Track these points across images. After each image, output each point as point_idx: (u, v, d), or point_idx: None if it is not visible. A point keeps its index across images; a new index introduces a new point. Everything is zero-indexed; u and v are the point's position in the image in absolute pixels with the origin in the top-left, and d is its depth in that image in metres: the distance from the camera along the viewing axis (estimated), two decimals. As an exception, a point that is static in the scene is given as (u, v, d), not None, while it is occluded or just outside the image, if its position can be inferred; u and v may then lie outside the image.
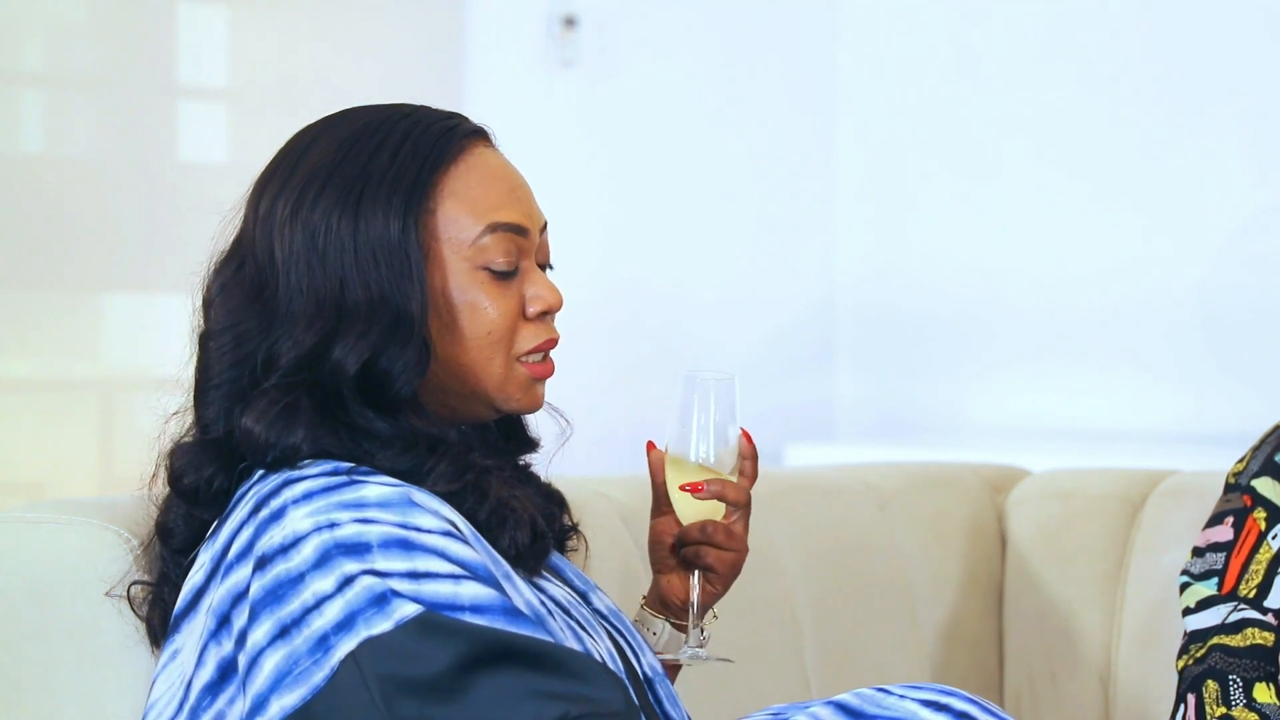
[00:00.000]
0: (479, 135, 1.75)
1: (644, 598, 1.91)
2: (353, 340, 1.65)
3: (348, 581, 1.55)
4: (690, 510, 1.83)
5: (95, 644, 1.73)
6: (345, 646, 1.53)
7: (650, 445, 1.86)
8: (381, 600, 1.54)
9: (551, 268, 1.78)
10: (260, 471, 1.65)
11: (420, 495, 1.61)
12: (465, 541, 1.60)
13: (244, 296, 1.68)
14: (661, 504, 1.87)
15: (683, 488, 1.82)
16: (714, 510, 1.83)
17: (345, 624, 1.54)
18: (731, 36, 4.14)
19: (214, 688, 1.60)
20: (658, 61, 4.03)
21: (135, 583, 1.73)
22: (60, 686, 1.74)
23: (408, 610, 1.53)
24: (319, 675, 1.54)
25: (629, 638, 1.80)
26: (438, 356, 1.69)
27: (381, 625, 1.53)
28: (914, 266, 4.23)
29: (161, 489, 1.73)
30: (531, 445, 1.85)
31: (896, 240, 4.25)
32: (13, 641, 1.75)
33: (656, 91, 4.03)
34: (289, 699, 1.54)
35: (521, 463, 1.85)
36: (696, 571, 1.85)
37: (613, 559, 2.25)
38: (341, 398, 1.65)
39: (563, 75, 3.87)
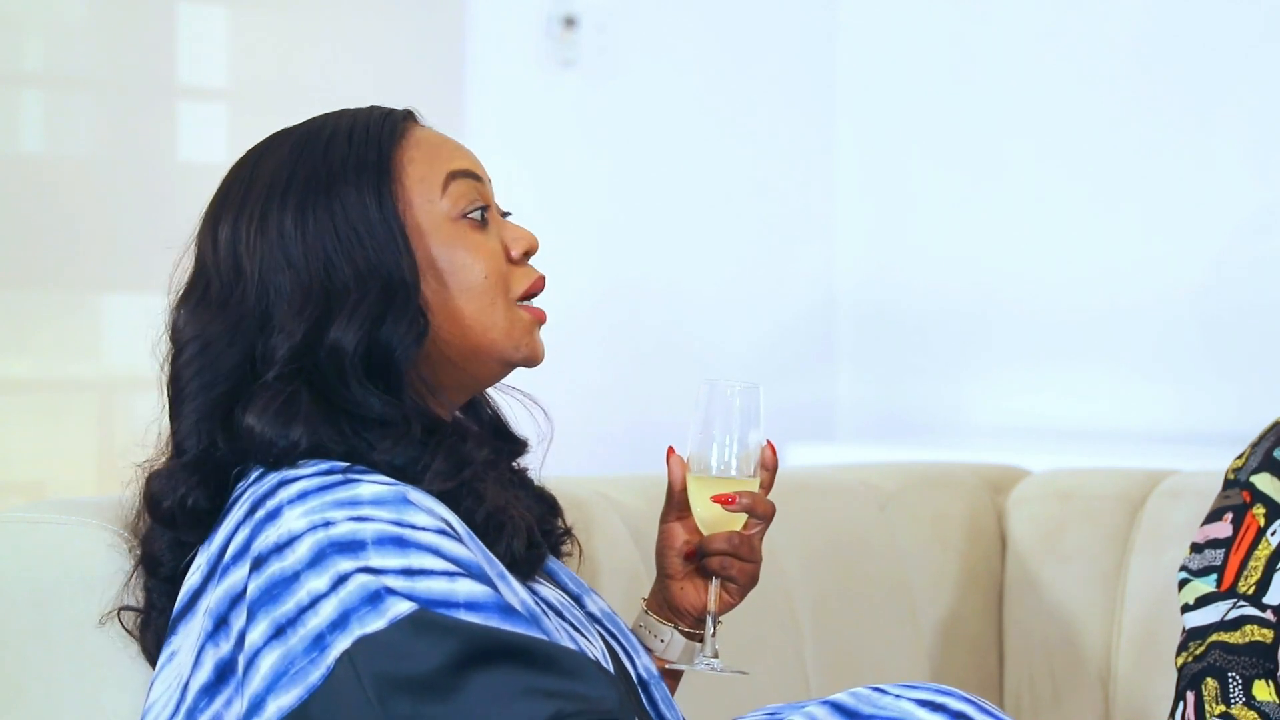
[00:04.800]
0: (411, 117, 1.79)
1: (645, 600, 1.90)
2: (347, 317, 1.66)
3: (342, 580, 1.55)
4: (713, 518, 1.82)
5: (95, 644, 1.73)
6: (340, 645, 1.53)
7: (670, 450, 1.85)
8: (375, 598, 1.54)
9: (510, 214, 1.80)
10: (257, 471, 1.65)
11: (415, 494, 1.61)
12: (459, 540, 1.60)
13: (212, 312, 1.69)
14: (678, 508, 1.86)
15: (715, 499, 1.80)
16: (736, 520, 1.82)
17: (340, 622, 1.54)
18: (731, 37, 4.14)
19: (211, 689, 1.60)
20: (658, 61, 4.03)
21: (124, 608, 1.73)
22: (60, 686, 1.74)
23: (401, 608, 1.53)
24: (315, 675, 1.54)
25: (623, 641, 1.79)
26: (439, 319, 1.70)
27: (375, 623, 1.53)
28: (914, 266, 4.22)
29: (143, 525, 1.72)
30: (519, 445, 1.85)
31: (896, 240, 4.25)
32: (13, 642, 1.75)
33: (656, 91, 4.03)
34: (285, 699, 1.54)
35: (516, 466, 1.85)
36: (715, 580, 1.84)
37: (613, 560, 2.24)
38: (343, 378, 1.65)
39: (563, 75, 3.87)
